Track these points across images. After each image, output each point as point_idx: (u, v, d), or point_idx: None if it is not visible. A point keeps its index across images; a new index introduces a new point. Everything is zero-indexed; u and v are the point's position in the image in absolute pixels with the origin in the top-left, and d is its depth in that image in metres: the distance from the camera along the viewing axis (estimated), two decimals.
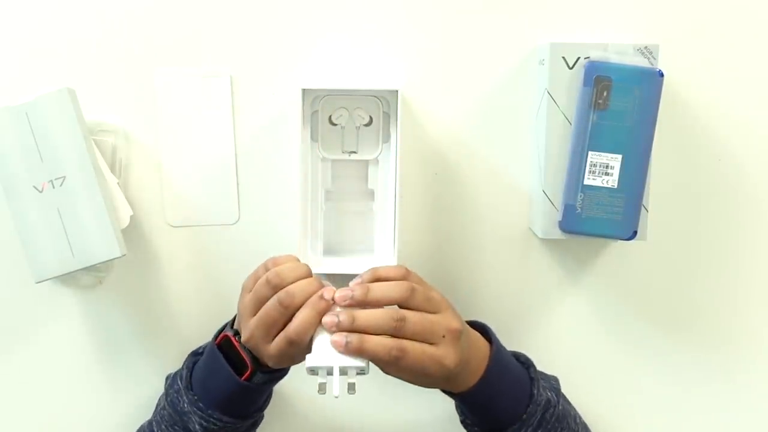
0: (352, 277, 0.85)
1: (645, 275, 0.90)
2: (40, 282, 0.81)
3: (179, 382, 0.81)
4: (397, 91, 0.82)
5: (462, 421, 0.82)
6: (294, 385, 0.91)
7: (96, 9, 0.86)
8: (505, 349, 0.79)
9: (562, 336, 0.88)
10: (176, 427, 0.80)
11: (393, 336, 0.70)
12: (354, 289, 0.71)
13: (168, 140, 0.88)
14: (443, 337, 0.71)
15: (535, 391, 0.77)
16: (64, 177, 0.80)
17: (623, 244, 0.85)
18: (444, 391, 0.78)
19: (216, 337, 0.80)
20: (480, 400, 0.76)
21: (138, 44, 0.87)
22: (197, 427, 0.78)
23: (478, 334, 0.78)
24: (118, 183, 0.84)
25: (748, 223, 0.89)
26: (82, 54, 0.87)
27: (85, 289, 0.89)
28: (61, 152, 0.80)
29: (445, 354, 0.71)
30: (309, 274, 0.74)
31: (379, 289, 0.72)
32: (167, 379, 0.85)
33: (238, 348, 0.77)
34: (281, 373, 0.79)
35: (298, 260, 0.75)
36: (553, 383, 0.82)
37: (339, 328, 0.70)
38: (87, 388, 0.90)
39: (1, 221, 0.84)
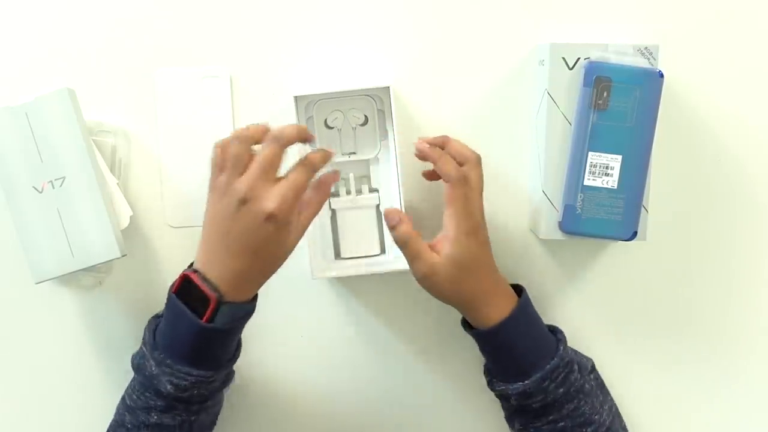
0: (365, 278, 0.86)
1: (645, 275, 0.90)
2: (39, 282, 0.81)
3: (143, 348, 0.78)
4: (388, 87, 0.82)
5: (488, 382, 0.83)
6: (288, 384, 0.91)
7: (96, 9, 0.86)
8: (536, 311, 0.82)
9: None
10: (147, 393, 0.77)
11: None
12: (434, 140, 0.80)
13: (168, 140, 0.88)
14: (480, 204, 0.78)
15: (561, 348, 0.79)
16: (64, 177, 0.80)
17: (623, 244, 0.85)
18: (469, 331, 0.81)
19: (172, 285, 0.75)
20: (505, 339, 0.79)
21: (138, 44, 0.87)
22: (168, 387, 0.75)
23: (507, 283, 0.81)
24: (118, 183, 0.84)
25: (748, 223, 0.89)
26: (82, 54, 0.87)
27: (85, 289, 0.89)
28: (61, 152, 0.80)
29: (477, 208, 0.78)
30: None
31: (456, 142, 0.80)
32: (132, 356, 0.81)
33: (199, 283, 0.73)
34: (246, 308, 0.75)
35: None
36: (584, 361, 0.84)
37: (432, 143, 0.80)
38: (87, 388, 0.90)
39: (1, 221, 0.84)
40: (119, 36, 0.86)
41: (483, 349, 0.82)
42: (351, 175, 0.87)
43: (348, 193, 0.87)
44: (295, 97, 0.82)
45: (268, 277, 0.76)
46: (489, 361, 0.83)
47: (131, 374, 0.82)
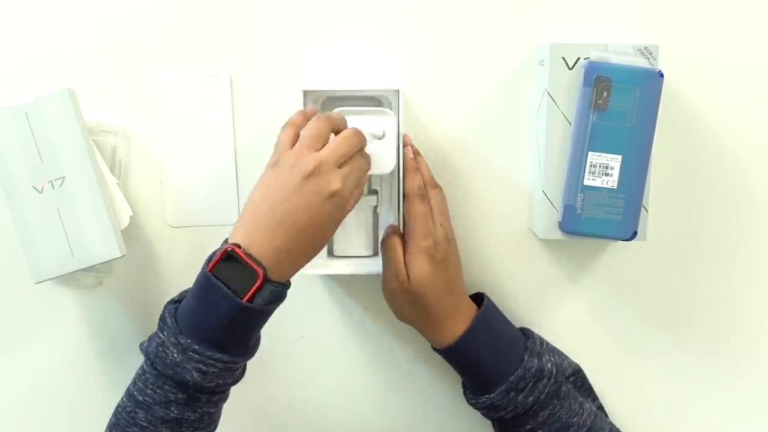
0: (358, 277, 0.86)
1: (645, 275, 0.90)
2: (39, 282, 0.81)
3: (161, 335, 0.74)
4: (398, 90, 0.82)
5: (464, 394, 0.84)
6: (291, 386, 0.91)
7: (96, 9, 0.86)
8: (502, 316, 0.83)
9: (562, 336, 0.88)
10: (166, 387, 0.73)
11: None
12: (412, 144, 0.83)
13: (168, 140, 0.88)
14: (441, 225, 0.80)
15: (526, 356, 0.79)
16: (64, 177, 0.80)
17: (623, 244, 0.85)
18: (436, 351, 0.82)
19: (208, 263, 0.72)
20: (466, 354, 0.80)
21: (138, 44, 0.87)
22: (194, 374, 0.72)
23: (469, 301, 0.83)
24: (118, 183, 0.85)
25: (748, 223, 0.89)
26: (82, 54, 0.87)
27: (85, 289, 0.89)
28: (61, 152, 0.80)
29: (436, 235, 0.80)
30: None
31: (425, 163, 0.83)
32: (141, 345, 0.78)
33: (247, 260, 0.70)
34: (283, 291, 0.74)
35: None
36: (565, 365, 0.83)
37: (411, 144, 0.82)
38: (87, 388, 0.90)
39: (1, 221, 0.84)
40: (119, 36, 0.86)
41: (450, 365, 0.83)
42: None
43: None
44: (304, 92, 0.82)
45: (309, 260, 0.75)
46: (459, 375, 0.84)
47: (131, 374, 0.82)
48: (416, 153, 0.82)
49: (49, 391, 0.90)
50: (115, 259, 0.81)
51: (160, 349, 0.73)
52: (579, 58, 0.81)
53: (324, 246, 0.77)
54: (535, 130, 0.86)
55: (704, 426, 0.92)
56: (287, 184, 0.72)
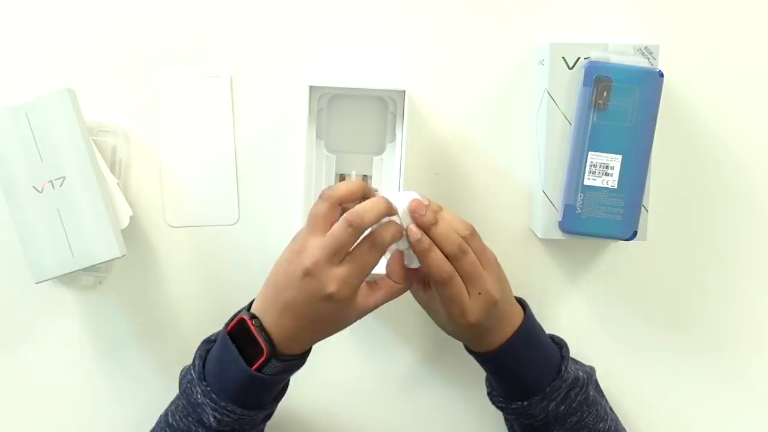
0: None
1: (645, 275, 0.90)
2: (39, 282, 0.81)
3: (192, 373, 0.77)
4: (404, 91, 0.82)
5: (488, 393, 0.82)
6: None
7: (96, 9, 0.86)
8: (539, 325, 0.80)
9: (562, 336, 0.88)
10: (190, 419, 0.76)
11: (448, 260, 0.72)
12: (426, 212, 0.71)
13: (168, 140, 0.88)
14: (479, 294, 0.73)
15: (563, 367, 0.78)
16: (64, 177, 0.80)
17: (623, 244, 0.85)
18: (470, 352, 0.80)
19: (228, 324, 0.75)
20: (504, 364, 0.78)
21: (138, 44, 0.87)
22: (211, 419, 0.74)
23: (517, 304, 0.79)
24: (118, 183, 0.84)
25: (748, 223, 0.89)
26: (82, 54, 0.87)
27: (85, 289, 0.89)
28: (61, 152, 0.80)
29: (471, 309, 0.73)
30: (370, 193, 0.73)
31: (447, 220, 0.72)
32: (182, 369, 0.81)
33: (255, 333, 0.72)
34: (296, 363, 0.75)
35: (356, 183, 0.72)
36: (587, 370, 0.82)
37: (420, 221, 0.71)
38: (87, 388, 0.90)
39: (1, 221, 0.84)
40: (119, 36, 0.86)
41: (484, 368, 0.82)
42: (353, 173, 0.87)
43: None
44: (310, 87, 0.82)
45: (323, 339, 0.75)
46: (491, 377, 0.82)
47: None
48: (427, 221, 0.71)
49: (49, 391, 0.90)
50: (115, 259, 0.81)
51: (189, 385, 0.76)
52: (579, 58, 0.81)
53: (342, 329, 0.74)
54: (535, 130, 0.86)
55: (705, 425, 0.92)
56: (289, 273, 0.71)
